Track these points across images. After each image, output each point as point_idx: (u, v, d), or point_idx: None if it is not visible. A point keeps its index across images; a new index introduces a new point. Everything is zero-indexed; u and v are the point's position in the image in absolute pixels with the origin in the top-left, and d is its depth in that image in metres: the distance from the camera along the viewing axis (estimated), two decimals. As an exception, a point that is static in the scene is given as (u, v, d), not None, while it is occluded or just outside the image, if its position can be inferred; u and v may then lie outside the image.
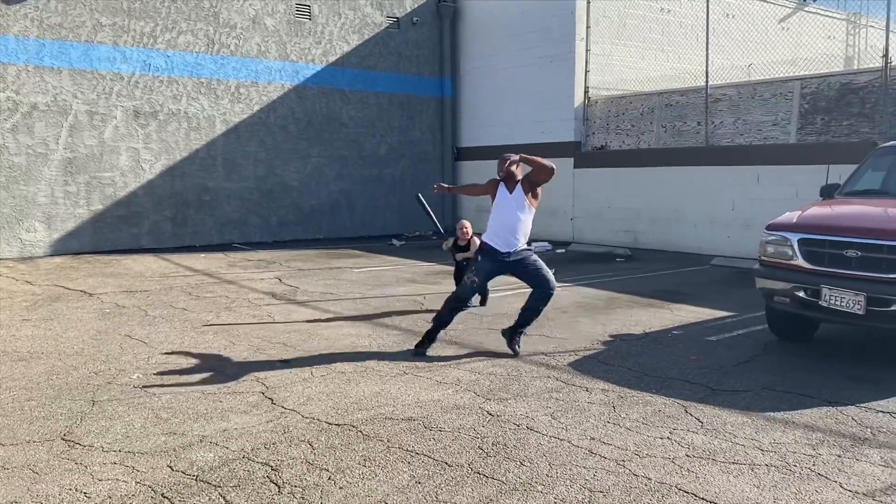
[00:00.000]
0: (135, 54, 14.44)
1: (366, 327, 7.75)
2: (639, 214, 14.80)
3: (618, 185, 15.19)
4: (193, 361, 6.41)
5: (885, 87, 11.42)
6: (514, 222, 6.43)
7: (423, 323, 7.91)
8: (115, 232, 14.46)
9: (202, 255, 14.00)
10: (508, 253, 6.46)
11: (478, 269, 6.63)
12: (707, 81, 13.74)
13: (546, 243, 15.38)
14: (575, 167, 15.88)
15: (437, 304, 8.86)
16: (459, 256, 8.46)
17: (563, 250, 14.91)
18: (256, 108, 16.02)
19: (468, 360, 6.43)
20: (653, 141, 14.98)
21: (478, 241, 7.12)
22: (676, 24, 17.09)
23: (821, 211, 6.76)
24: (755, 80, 13.58)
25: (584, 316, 8.31)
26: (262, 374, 5.99)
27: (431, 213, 8.66)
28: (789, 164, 12.45)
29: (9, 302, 9.19)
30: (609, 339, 7.22)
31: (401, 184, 18.31)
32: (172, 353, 6.72)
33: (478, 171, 18.69)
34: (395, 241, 16.25)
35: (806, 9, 20.31)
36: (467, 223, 8.58)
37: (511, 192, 6.48)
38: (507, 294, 9.67)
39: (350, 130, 17.42)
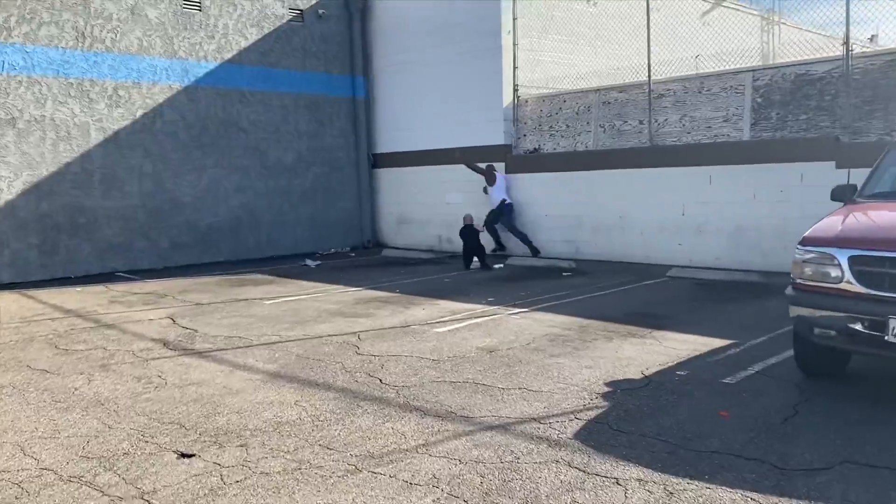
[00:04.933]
0: (-16, 50, 11.97)
1: (290, 389, 5.93)
2: (580, 222, 13.48)
3: (554, 191, 13.84)
4: (49, 461, 4.45)
5: (847, 76, 10.50)
6: None
7: (364, 376, 6.18)
8: (-35, 265, 11.92)
9: (78, 288, 11.69)
10: None
11: None
12: (650, 76, 12.58)
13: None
14: (507, 172, 14.42)
15: (377, 345, 7.15)
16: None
17: (501, 265, 13.38)
18: (140, 112, 13.74)
19: (438, 438, 4.75)
20: (591, 142, 13.71)
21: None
22: (605, 16, 15.96)
23: (867, 219, 5.47)
24: (703, 73, 12.49)
25: (560, 355, 6.76)
26: (149, 484, 4.12)
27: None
28: (744, 163, 11.43)
29: None
30: (606, 389, 5.70)
31: (312, 195, 16.36)
32: (19, 446, 4.73)
33: (398, 179, 16.98)
34: (308, 262, 14.31)
35: (724, 4, 19.79)
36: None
37: None
38: (459, 327, 8.05)
39: (251, 136, 15.36)
